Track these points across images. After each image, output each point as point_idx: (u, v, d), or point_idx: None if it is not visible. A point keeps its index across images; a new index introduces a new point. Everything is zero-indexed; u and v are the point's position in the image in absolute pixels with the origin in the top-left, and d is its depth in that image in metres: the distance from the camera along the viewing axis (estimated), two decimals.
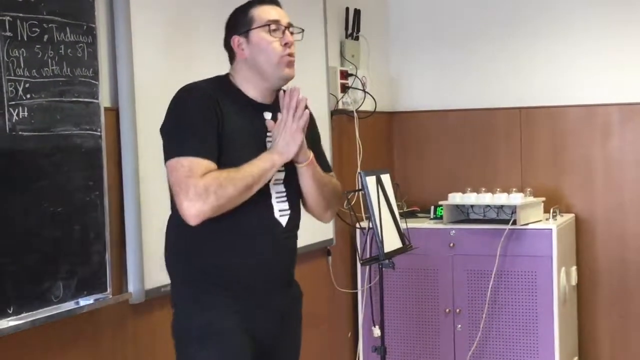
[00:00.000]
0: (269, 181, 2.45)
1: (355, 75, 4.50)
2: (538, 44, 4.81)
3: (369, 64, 4.76)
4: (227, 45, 2.56)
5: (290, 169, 2.50)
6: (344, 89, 4.44)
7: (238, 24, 2.53)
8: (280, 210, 2.50)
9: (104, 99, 2.83)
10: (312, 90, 4.21)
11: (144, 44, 3.01)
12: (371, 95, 4.59)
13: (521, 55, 4.85)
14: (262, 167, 2.40)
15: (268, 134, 2.50)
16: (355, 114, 4.52)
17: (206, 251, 2.44)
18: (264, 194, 2.45)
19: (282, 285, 2.55)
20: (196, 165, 2.33)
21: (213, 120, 2.39)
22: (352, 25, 4.61)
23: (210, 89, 2.46)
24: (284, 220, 2.51)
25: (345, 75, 4.46)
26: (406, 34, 5.10)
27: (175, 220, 2.44)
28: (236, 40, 2.52)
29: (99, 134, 2.78)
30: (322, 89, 4.27)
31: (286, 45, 2.49)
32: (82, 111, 2.71)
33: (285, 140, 2.43)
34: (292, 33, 2.53)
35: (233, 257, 2.44)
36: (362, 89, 4.53)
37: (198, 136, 2.37)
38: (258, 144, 2.48)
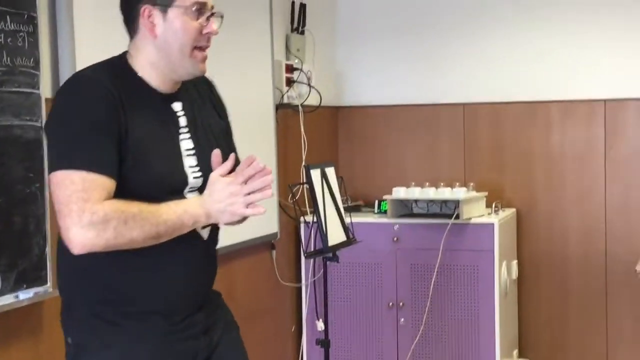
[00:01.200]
0: (185, 189, 2.08)
1: (301, 70, 4.50)
2: (481, 42, 4.87)
3: (315, 59, 4.77)
4: (130, 11, 2.07)
5: (207, 176, 2.08)
6: (289, 83, 4.44)
7: None
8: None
9: (45, 90, 2.79)
10: (257, 83, 4.21)
11: (87, 34, 2.96)
12: (316, 90, 4.59)
13: (465, 53, 4.90)
14: (182, 221, 1.98)
15: (181, 130, 2.10)
16: (300, 108, 4.52)
17: (113, 273, 2.03)
18: None
19: (202, 303, 2.17)
20: (91, 184, 1.89)
21: (114, 127, 1.94)
22: (298, 19, 4.61)
23: (108, 82, 1.99)
24: (205, 233, 2.14)
25: (290, 69, 4.46)
26: (352, 29, 5.11)
27: None
28: (147, 11, 2.03)
29: (39, 125, 2.73)
30: (267, 83, 4.27)
31: (207, 36, 2.07)
32: (23, 101, 2.67)
33: (223, 206, 2.00)
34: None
35: (148, 279, 2.04)
36: (307, 83, 4.53)
37: (94, 145, 1.92)
38: (171, 149, 2.07)
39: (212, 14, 2.08)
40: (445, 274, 4.35)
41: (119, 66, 2.07)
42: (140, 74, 2.07)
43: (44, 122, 2.74)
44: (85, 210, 1.87)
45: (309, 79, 4.54)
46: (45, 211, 2.75)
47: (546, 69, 4.76)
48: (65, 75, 2.88)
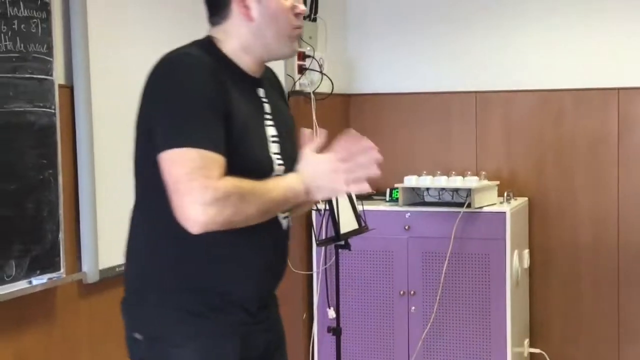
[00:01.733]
0: (270, 176, 2.01)
1: (313, 57, 4.49)
2: (494, 29, 4.85)
3: (327, 46, 4.75)
4: None
5: (288, 166, 2.05)
6: (301, 70, 4.43)
7: None
8: (283, 211, 2.07)
9: (59, 76, 2.79)
10: None
11: (100, 20, 2.96)
12: (328, 77, 4.58)
13: (477, 40, 4.88)
14: (286, 197, 1.94)
15: (266, 117, 2.05)
16: (312, 96, 4.51)
17: (200, 262, 1.96)
18: None
19: (274, 296, 2.19)
20: (211, 162, 1.83)
21: (222, 107, 1.89)
22: (310, 7, 4.59)
23: (211, 62, 1.94)
24: (285, 223, 2.11)
25: (302, 56, 4.45)
26: (364, 16, 5.10)
27: (159, 225, 1.94)
28: None
29: (52, 111, 2.74)
30: (279, 70, 4.22)
31: (298, 15, 2.04)
32: (36, 88, 2.67)
33: (324, 183, 1.97)
34: None
35: (233, 269, 1.98)
36: (319, 70, 4.52)
37: (208, 123, 1.86)
38: (261, 134, 2.02)
39: None
40: (456, 263, 4.34)
41: (209, 49, 2.00)
42: (230, 56, 2.02)
43: (57, 108, 2.75)
44: (207, 187, 1.80)
45: (321, 66, 4.53)
46: (58, 197, 2.76)
47: (559, 57, 4.73)
48: (78, 62, 2.89)
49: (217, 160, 1.84)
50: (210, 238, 1.87)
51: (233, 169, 1.88)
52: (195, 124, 1.85)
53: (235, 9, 2.00)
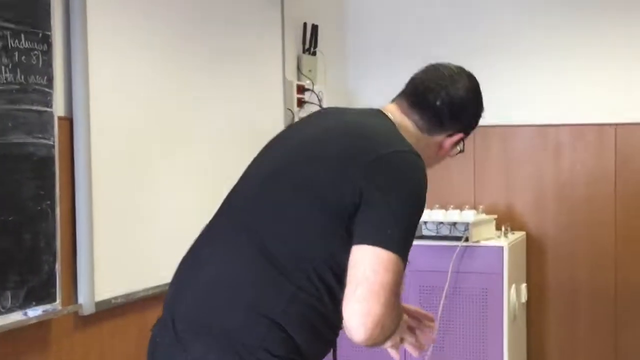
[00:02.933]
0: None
1: (312, 90, 4.52)
2: (492, 64, 4.88)
3: (326, 79, 4.78)
4: (446, 120, 2.15)
5: None
6: (301, 103, 4.45)
7: (470, 122, 2.20)
8: None
9: (58, 108, 2.81)
10: (268, 104, 4.23)
11: (100, 53, 2.99)
12: None
13: (475, 75, 4.89)
14: None
15: None
16: None
17: (309, 333, 1.89)
18: None
19: None
20: (403, 280, 1.81)
21: None
22: (310, 40, 4.63)
23: None
24: None
25: (302, 89, 4.47)
26: (363, 50, 5.13)
27: (306, 295, 1.84)
28: (458, 140, 2.18)
29: (51, 143, 2.75)
30: (279, 103, 4.28)
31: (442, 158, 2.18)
32: (35, 120, 2.68)
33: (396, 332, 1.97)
34: None
35: (325, 342, 2.00)
36: (318, 103, 4.54)
37: (412, 242, 1.85)
38: None
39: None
40: (454, 297, 4.33)
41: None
42: None
43: (56, 140, 2.76)
44: (397, 306, 1.77)
45: (320, 99, 4.56)
46: (55, 228, 2.76)
47: (557, 93, 4.76)
48: (78, 94, 2.91)
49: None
50: (334, 314, 1.84)
51: None
52: (411, 237, 1.82)
53: (442, 137, 2.16)
